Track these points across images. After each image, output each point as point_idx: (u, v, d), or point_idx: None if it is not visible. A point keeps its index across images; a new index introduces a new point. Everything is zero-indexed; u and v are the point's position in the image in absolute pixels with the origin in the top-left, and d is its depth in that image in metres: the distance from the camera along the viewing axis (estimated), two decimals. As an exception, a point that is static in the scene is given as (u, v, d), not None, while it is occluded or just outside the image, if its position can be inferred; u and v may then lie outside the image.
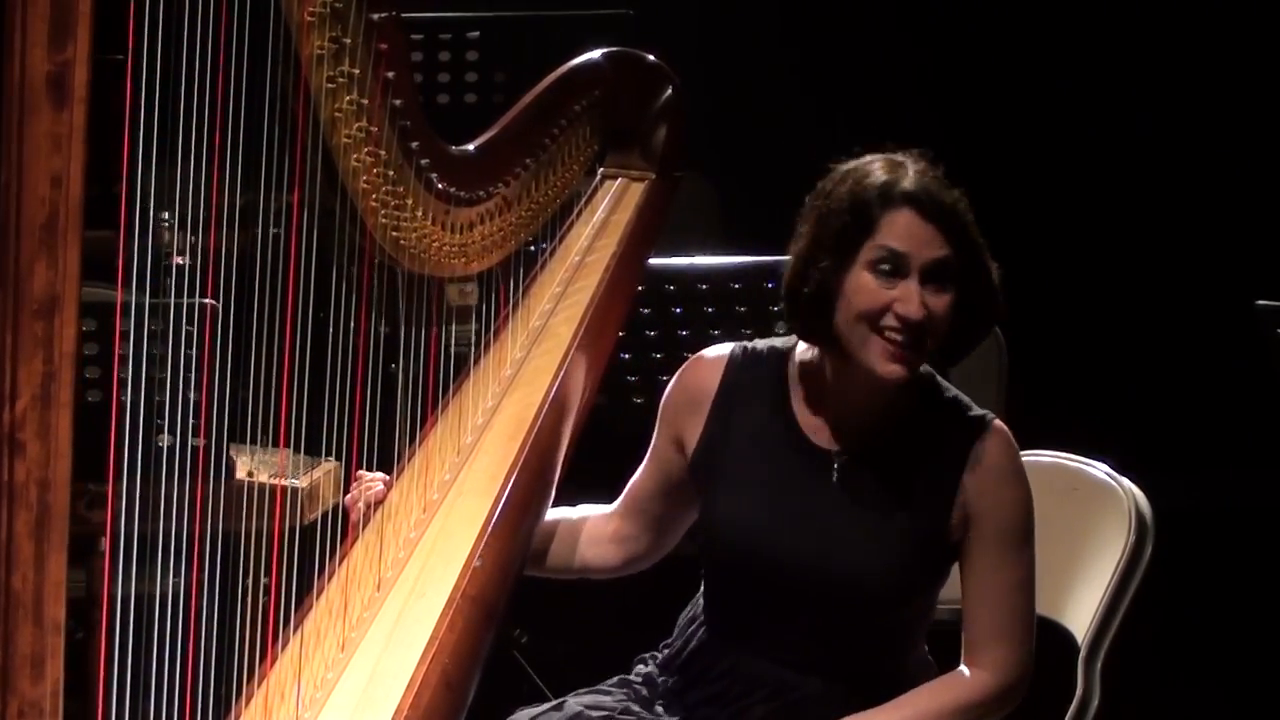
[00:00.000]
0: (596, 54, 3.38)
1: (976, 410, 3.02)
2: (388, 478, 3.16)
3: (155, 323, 3.66)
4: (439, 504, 3.12)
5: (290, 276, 2.90)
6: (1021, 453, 3.47)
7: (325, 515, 3.19)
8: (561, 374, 3.24)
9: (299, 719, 2.83)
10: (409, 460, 3.18)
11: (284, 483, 3.63)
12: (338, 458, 3.17)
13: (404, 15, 4.42)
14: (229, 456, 3.56)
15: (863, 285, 2.93)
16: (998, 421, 3.01)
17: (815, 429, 3.04)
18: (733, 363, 3.10)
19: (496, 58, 4.71)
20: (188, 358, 3.62)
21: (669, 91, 3.52)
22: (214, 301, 3.09)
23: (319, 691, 2.87)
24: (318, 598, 3.01)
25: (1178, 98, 5.88)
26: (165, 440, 3.43)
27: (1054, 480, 3.37)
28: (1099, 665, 3.15)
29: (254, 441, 2.98)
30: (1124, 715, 3.39)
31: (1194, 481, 5.58)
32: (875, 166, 2.97)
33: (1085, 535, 3.27)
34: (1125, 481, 3.26)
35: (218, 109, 2.78)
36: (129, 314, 2.94)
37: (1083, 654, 3.15)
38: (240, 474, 3.62)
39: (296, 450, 3.06)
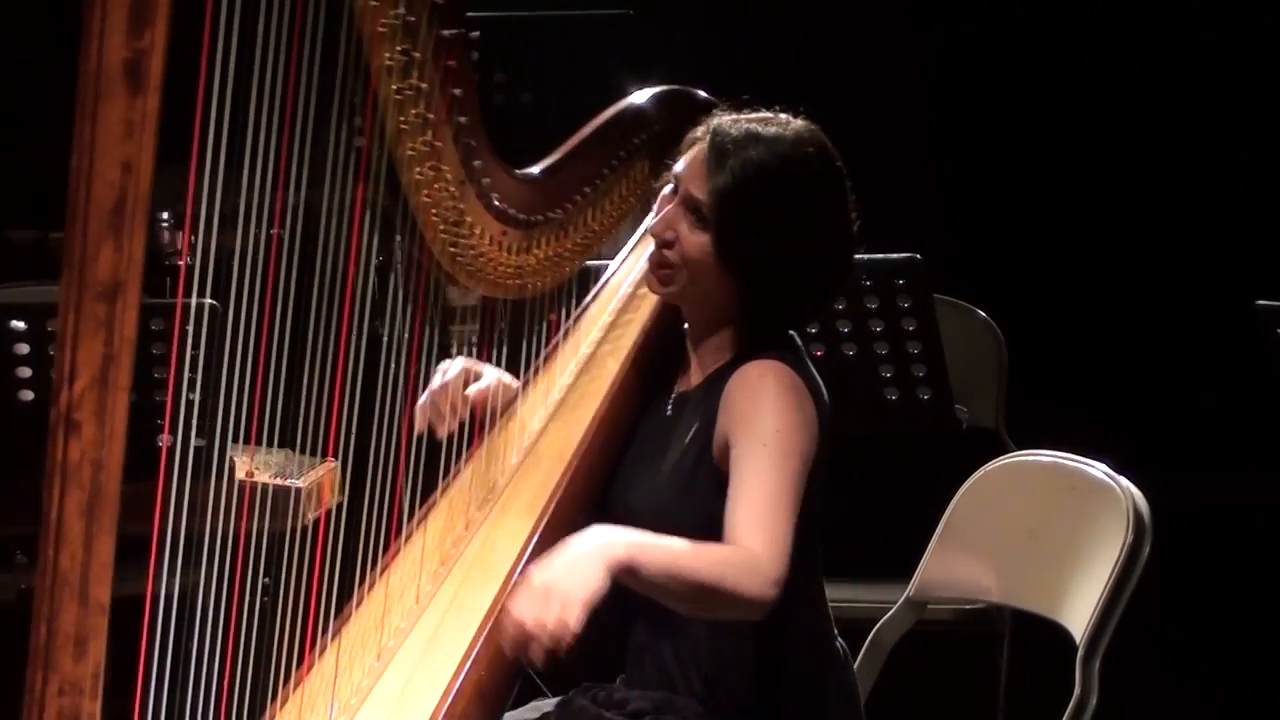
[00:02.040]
0: (644, 97, 3.37)
1: (774, 357, 3.02)
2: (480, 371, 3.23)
3: (154, 322, 3.70)
4: (481, 521, 3.14)
5: (273, 277, 2.91)
6: (1020, 452, 3.49)
7: (325, 515, 3.20)
8: (607, 403, 3.24)
9: None
10: (454, 479, 3.21)
11: (284, 483, 3.64)
12: (337, 457, 3.18)
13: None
14: (230, 457, 3.56)
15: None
16: (778, 362, 3.00)
17: (685, 373, 3.15)
18: None
19: (496, 58, 4.71)
20: (190, 358, 3.63)
21: None
22: (214, 301, 3.10)
23: (354, 698, 2.90)
24: (357, 607, 3.04)
25: (1178, 98, 5.88)
26: (166, 440, 3.44)
27: (1052, 479, 3.37)
28: (1097, 664, 3.15)
29: (253, 441, 2.99)
30: (1121, 714, 3.40)
31: (1192, 481, 5.58)
32: None
33: (1083, 534, 3.27)
34: (1123, 481, 3.26)
35: (288, 110, 2.83)
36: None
37: (1080, 653, 3.15)
38: (240, 474, 3.63)
39: (296, 450, 3.07)
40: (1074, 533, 3.29)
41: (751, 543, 2.87)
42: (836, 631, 3.14)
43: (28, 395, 3.90)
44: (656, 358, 3.25)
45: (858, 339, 4.25)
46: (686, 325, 3.15)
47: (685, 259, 3.03)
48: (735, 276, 3.01)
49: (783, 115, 3.08)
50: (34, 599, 2.44)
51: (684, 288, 3.06)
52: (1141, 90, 5.89)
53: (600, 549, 2.80)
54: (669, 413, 3.14)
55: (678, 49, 5.54)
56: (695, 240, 3.02)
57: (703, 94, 3.44)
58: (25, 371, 3.89)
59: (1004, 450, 3.85)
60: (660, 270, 3.07)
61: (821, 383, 3.07)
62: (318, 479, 4.08)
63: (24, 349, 3.89)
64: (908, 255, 4.23)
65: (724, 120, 3.05)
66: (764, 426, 2.95)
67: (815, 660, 3.06)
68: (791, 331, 3.11)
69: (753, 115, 3.07)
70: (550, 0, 5.19)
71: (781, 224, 2.99)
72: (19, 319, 3.89)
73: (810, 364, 3.07)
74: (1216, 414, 5.80)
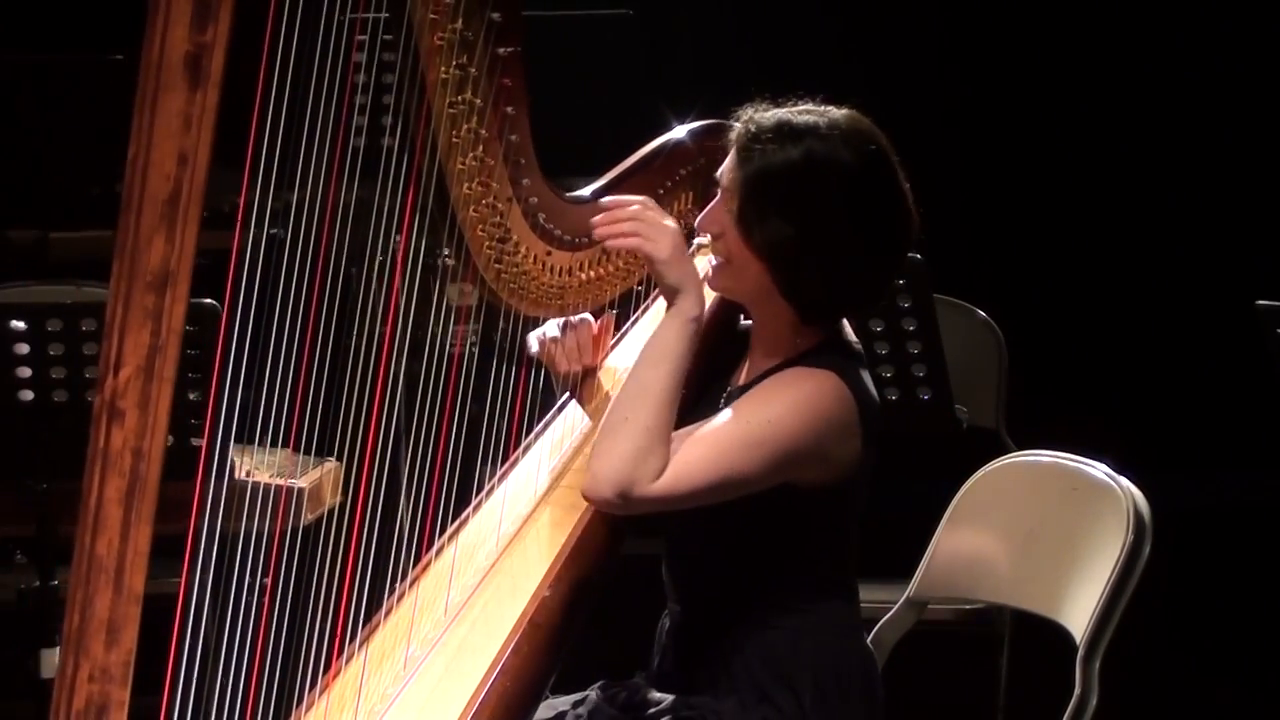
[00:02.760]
0: (683, 131, 3.37)
1: (832, 367, 3.01)
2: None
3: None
4: (513, 536, 3.14)
5: (294, 276, 2.92)
6: (1021, 453, 3.49)
7: (326, 515, 3.20)
8: None
9: None
10: (487, 494, 3.22)
11: (284, 482, 3.64)
12: (338, 458, 3.18)
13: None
14: (230, 457, 3.56)
15: None
16: (833, 373, 2.99)
17: (739, 369, 3.15)
18: None
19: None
20: (189, 358, 3.63)
21: None
22: (213, 302, 3.10)
23: (379, 705, 2.91)
24: (386, 617, 3.05)
25: (1178, 98, 5.88)
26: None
27: (1053, 480, 3.37)
28: (1097, 664, 3.15)
29: (255, 441, 3.00)
30: (1121, 714, 3.39)
31: (1193, 481, 5.58)
32: None
33: (1084, 535, 3.27)
34: (1124, 481, 3.26)
35: (343, 115, 2.87)
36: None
37: (1081, 653, 3.15)
38: (240, 474, 3.63)
39: (296, 450, 3.07)
40: (1074, 533, 3.29)
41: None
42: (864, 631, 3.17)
43: (28, 395, 3.90)
44: (711, 358, 3.25)
45: (858, 339, 4.25)
46: (751, 322, 3.16)
47: (727, 254, 3.04)
48: (765, 263, 3.00)
49: (824, 106, 3.07)
50: (69, 584, 2.46)
51: (732, 282, 3.07)
52: (1142, 91, 5.90)
53: (699, 288, 3.02)
54: (720, 405, 3.12)
55: (678, 49, 5.55)
56: (731, 233, 3.02)
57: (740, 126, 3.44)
58: (25, 371, 3.89)
59: (1004, 450, 3.85)
60: (714, 270, 3.08)
61: (874, 394, 3.06)
62: (317, 479, 4.08)
63: (24, 349, 3.89)
64: (908, 255, 4.23)
65: (756, 111, 3.05)
66: (760, 410, 2.96)
67: (842, 656, 3.06)
68: (856, 342, 3.10)
69: (793, 107, 3.06)
70: (550, 0, 5.20)
71: (803, 209, 2.97)
72: (19, 319, 3.89)
73: (866, 375, 3.07)
74: (1217, 414, 5.80)
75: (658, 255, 3.02)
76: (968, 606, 4.33)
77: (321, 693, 2.94)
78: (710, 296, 3.15)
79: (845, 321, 3.12)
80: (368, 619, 3.05)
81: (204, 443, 3.34)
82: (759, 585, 3.05)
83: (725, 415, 2.98)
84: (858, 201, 3.00)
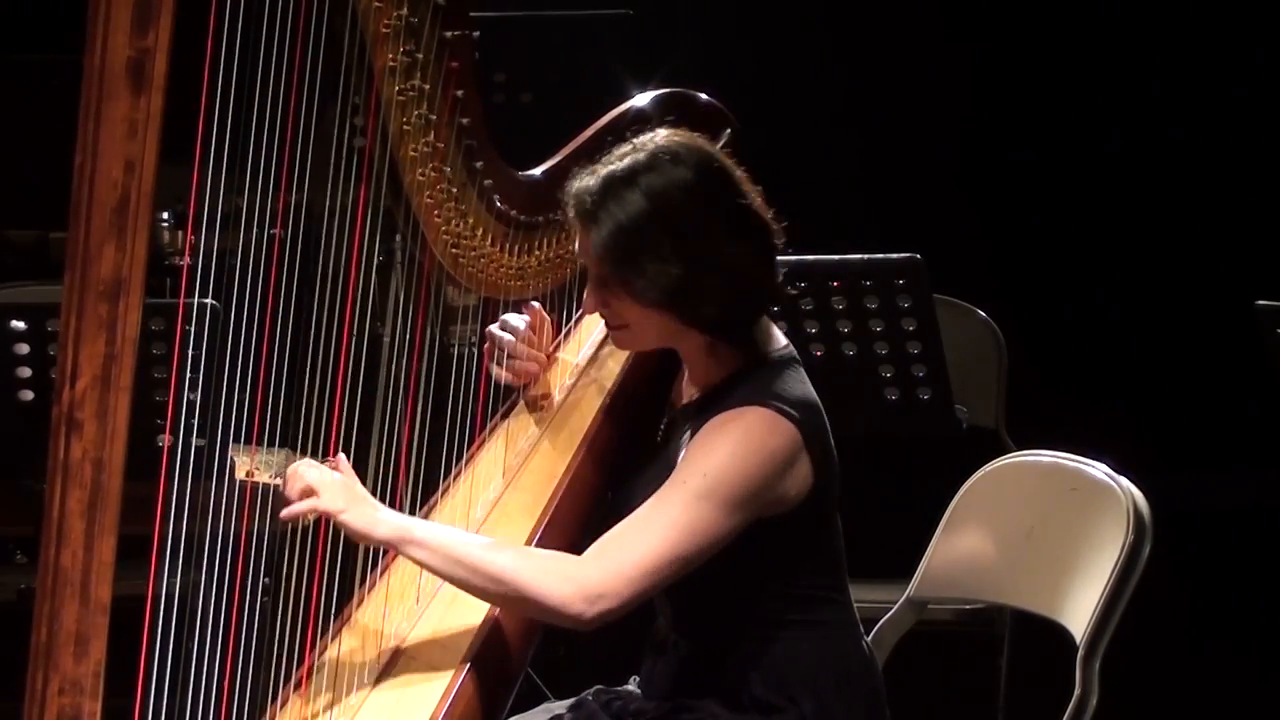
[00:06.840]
0: (645, 100, 3.36)
1: (756, 401, 2.98)
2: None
3: (155, 323, 3.71)
4: (482, 521, 3.14)
5: (273, 278, 2.92)
6: (1021, 453, 3.49)
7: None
8: (605, 407, 3.24)
9: None
10: (454, 479, 3.22)
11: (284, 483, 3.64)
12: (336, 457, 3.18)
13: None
14: (230, 457, 3.57)
15: None
16: (758, 407, 2.96)
17: (680, 389, 3.14)
18: None
19: (496, 58, 4.71)
20: (188, 358, 3.64)
21: (726, 133, 3.40)
22: (214, 301, 3.10)
23: (355, 697, 2.92)
24: (358, 607, 3.05)
25: (1178, 98, 5.88)
26: (165, 440, 3.45)
27: (1053, 480, 3.37)
28: (1097, 664, 3.15)
29: (255, 441, 3.00)
30: (1121, 714, 3.39)
31: (1193, 481, 5.58)
32: None
33: (1084, 535, 3.27)
34: (1124, 481, 3.26)
35: (290, 111, 2.86)
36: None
37: (1081, 653, 3.15)
38: (240, 474, 3.63)
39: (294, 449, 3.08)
40: (1074, 533, 3.29)
41: (588, 558, 2.90)
42: (863, 632, 3.16)
43: (28, 395, 3.91)
44: (657, 363, 3.25)
45: (858, 339, 4.25)
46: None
47: (623, 321, 3.03)
48: (663, 310, 2.99)
49: (644, 136, 3.04)
50: (35, 598, 2.45)
51: (638, 341, 3.09)
52: (1141, 90, 5.89)
53: (388, 526, 2.91)
54: (663, 426, 3.14)
55: (678, 49, 5.55)
56: (617, 301, 3.00)
57: (704, 96, 3.42)
58: (25, 371, 3.90)
59: (1004, 450, 3.85)
60: (615, 335, 3.08)
61: (810, 396, 3.03)
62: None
63: (24, 349, 3.89)
64: (908, 255, 4.23)
65: (578, 181, 3.01)
66: (696, 466, 2.94)
67: (839, 660, 3.06)
68: (782, 343, 3.08)
69: (610, 155, 3.02)
70: (550, 0, 5.20)
71: (675, 243, 2.95)
72: (19, 319, 3.89)
73: (798, 375, 3.04)
74: (1216, 414, 5.80)
75: (320, 507, 2.91)
76: (968, 606, 4.33)
77: (298, 687, 2.94)
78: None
79: (774, 328, 3.10)
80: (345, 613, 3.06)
81: (165, 442, 3.32)
82: (748, 605, 3.04)
83: (666, 495, 2.93)
84: (717, 208, 2.98)
